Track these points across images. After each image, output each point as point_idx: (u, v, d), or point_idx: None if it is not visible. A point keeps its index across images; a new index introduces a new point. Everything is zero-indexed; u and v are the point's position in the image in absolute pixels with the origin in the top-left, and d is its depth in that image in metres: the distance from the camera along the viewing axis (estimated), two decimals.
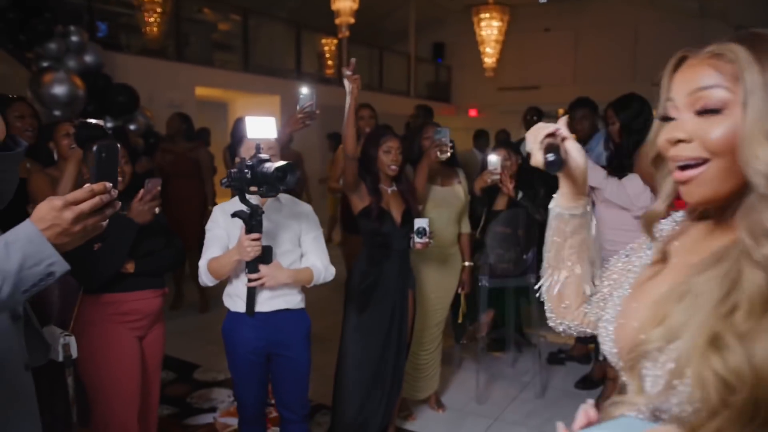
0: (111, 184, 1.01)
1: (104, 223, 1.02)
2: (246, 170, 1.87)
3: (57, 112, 4.81)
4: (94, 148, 1.01)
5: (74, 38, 5.23)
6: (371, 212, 2.59)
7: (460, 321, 3.55)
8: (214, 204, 4.91)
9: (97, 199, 0.98)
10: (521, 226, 3.30)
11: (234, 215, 1.95)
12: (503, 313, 3.69)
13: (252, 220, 1.95)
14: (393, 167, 2.61)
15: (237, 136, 2.42)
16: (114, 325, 2.16)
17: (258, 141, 1.97)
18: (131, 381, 2.17)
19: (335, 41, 10.90)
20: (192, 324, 4.81)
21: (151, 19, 8.26)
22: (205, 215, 4.56)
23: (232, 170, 1.91)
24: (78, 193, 0.97)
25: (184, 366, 3.90)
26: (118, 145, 1.03)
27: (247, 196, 1.93)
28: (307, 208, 2.32)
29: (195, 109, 7.78)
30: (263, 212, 1.99)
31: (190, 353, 4.08)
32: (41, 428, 1.32)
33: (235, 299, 2.18)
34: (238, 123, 4.85)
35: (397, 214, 2.65)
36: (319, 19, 9.89)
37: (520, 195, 3.21)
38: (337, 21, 7.46)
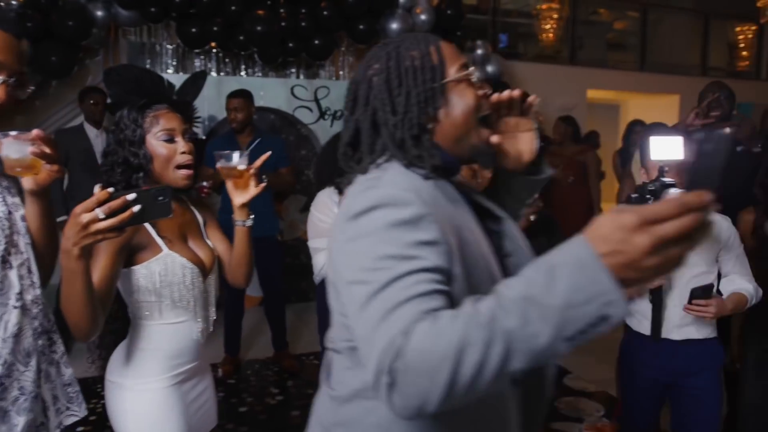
0: (711, 195, 0.63)
1: (684, 257, 0.66)
2: (648, 196, 1.75)
3: None
4: (700, 134, 0.70)
5: (479, 51, 5.77)
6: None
7: None
8: (600, 210, 4.80)
9: (691, 219, 0.62)
10: None
11: None
12: None
13: None
14: None
15: (627, 141, 2.30)
16: None
17: (663, 163, 1.82)
18: None
19: (753, 28, 9.39)
20: None
21: (547, 26, 8.52)
22: (590, 221, 4.51)
23: (633, 195, 1.82)
24: (662, 207, 0.63)
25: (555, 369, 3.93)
26: (729, 134, 0.69)
27: None
28: (724, 223, 2.03)
29: (585, 112, 7.73)
30: None
31: (562, 358, 4.09)
32: None
33: (639, 319, 2.05)
34: (631, 127, 4.63)
35: None
36: (731, 5, 8.67)
37: None
38: (761, 3, 6.39)
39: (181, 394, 1.63)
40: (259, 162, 1.64)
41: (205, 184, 3.62)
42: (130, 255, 1.53)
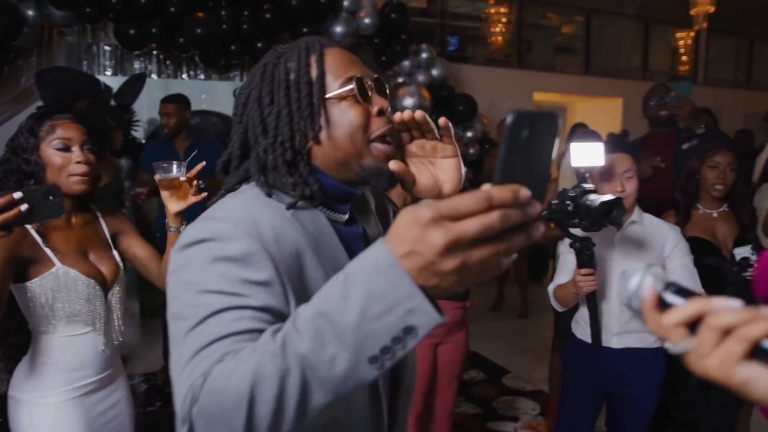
0: (527, 192, 0.54)
1: (506, 262, 0.56)
2: (568, 202, 1.77)
3: None
4: (510, 118, 0.56)
5: (424, 55, 5.81)
6: None
7: None
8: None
9: (495, 216, 0.52)
10: None
11: (570, 245, 1.88)
12: None
13: (582, 254, 1.83)
14: (718, 187, 2.21)
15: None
16: None
17: (584, 169, 1.86)
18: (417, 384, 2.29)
19: (692, 34, 9.73)
20: (509, 329, 4.89)
21: (496, 29, 8.65)
22: None
23: (554, 201, 1.84)
24: (463, 201, 0.53)
25: (494, 369, 3.99)
26: (558, 118, 0.57)
27: (571, 230, 1.84)
28: (670, 232, 2.03)
29: None
30: (594, 245, 1.85)
31: (502, 357, 4.16)
32: None
33: (583, 326, 2.06)
34: (574, 130, 4.74)
35: (726, 241, 2.23)
36: (671, 11, 8.97)
37: None
38: (694, 12, 6.64)
39: (86, 407, 1.60)
40: (195, 171, 1.62)
41: (141, 189, 3.56)
42: (22, 269, 1.49)
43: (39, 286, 1.50)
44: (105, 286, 1.62)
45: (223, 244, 0.78)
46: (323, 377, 0.59)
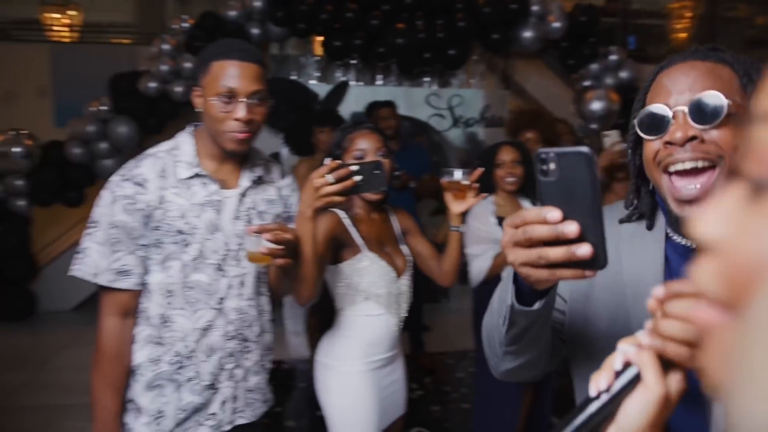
0: (556, 214, 0.62)
1: (568, 273, 0.64)
2: None
3: (594, 126, 5.35)
4: (536, 155, 0.65)
5: (613, 57, 5.69)
6: None
7: None
8: None
9: (520, 231, 0.65)
10: None
11: None
12: None
13: None
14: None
15: None
16: None
17: None
18: None
19: None
20: None
21: (679, 25, 8.17)
22: None
23: None
24: (514, 215, 0.67)
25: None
26: (587, 156, 0.62)
27: None
28: None
29: None
30: None
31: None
32: None
33: None
34: None
35: None
36: None
37: None
38: None
39: (376, 379, 1.85)
40: (476, 175, 1.79)
41: None
42: (336, 252, 1.77)
43: (349, 267, 1.77)
44: (398, 274, 1.87)
45: None
46: (490, 321, 0.89)
